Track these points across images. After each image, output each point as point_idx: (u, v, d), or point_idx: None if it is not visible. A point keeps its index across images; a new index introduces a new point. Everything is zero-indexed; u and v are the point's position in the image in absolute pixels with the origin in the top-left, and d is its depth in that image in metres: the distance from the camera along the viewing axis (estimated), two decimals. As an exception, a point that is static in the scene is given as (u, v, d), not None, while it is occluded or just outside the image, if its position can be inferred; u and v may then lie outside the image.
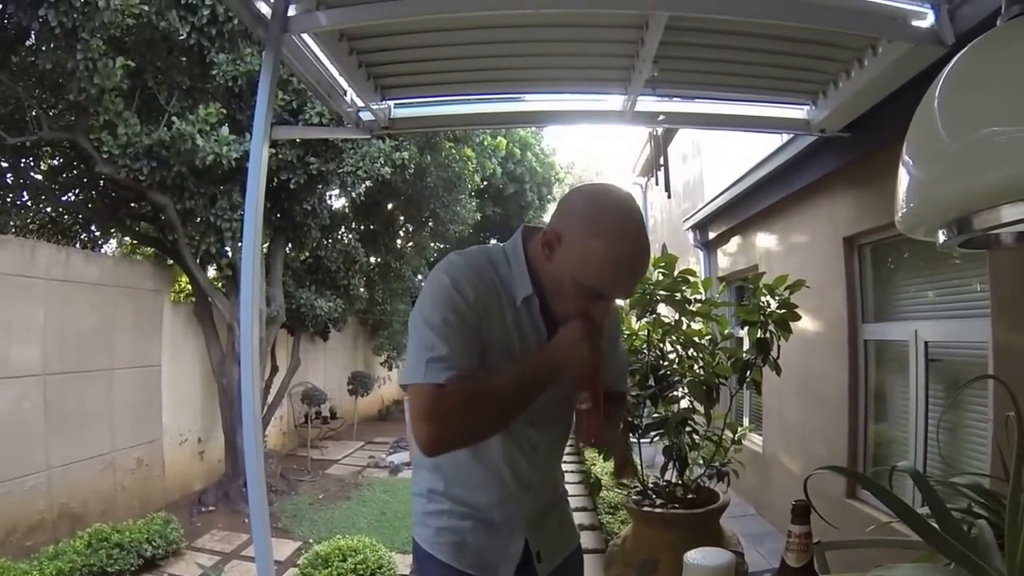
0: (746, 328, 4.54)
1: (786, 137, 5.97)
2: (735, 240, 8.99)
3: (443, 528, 2.00)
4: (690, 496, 4.63)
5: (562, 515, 2.28)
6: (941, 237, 1.38)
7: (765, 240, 7.73)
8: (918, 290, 5.02)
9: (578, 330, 1.75)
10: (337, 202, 12.17)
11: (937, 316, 4.72)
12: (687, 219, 10.52)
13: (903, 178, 1.38)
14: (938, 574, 1.12)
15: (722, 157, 9.88)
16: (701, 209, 9.64)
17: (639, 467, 4.88)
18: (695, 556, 1.73)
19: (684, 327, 4.67)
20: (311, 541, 7.61)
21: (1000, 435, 3.61)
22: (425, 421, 1.71)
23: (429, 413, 1.71)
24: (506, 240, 1.97)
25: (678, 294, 4.54)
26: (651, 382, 4.58)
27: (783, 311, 4.39)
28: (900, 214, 1.40)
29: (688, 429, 4.61)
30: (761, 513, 7.58)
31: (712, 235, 9.83)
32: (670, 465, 4.64)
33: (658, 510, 4.52)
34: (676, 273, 4.51)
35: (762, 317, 4.40)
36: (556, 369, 1.77)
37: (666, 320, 4.69)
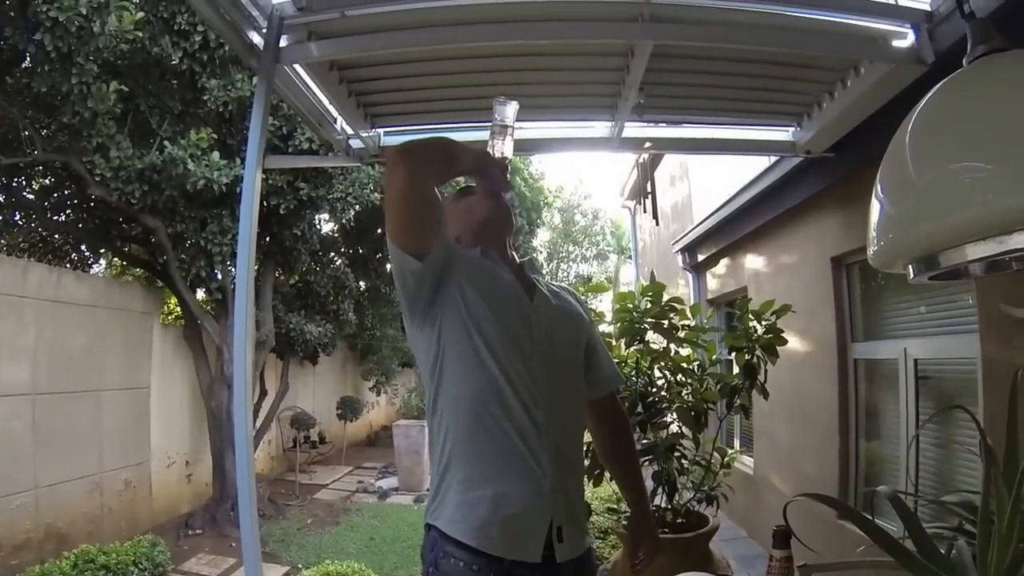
0: (734, 353, 4.58)
1: (773, 159, 6.02)
2: (724, 262, 9.04)
3: (472, 502, 1.97)
4: (680, 521, 4.66)
5: (582, 506, 2.27)
6: (911, 272, 1.44)
7: (754, 261, 7.78)
8: (907, 308, 5.04)
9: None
10: (326, 227, 12.24)
11: (926, 333, 4.73)
12: (676, 242, 10.55)
13: (875, 212, 1.43)
14: None
15: (710, 179, 9.93)
16: (689, 232, 9.67)
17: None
18: None
19: (672, 353, 4.71)
20: (299, 566, 7.59)
21: (997, 441, 3.65)
22: (396, 156, 1.96)
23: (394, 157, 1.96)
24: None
25: (666, 321, 4.59)
26: (640, 409, 4.63)
27: (770, 336, 4.44)
28: (872, 251, 1.45)
29: (677, 454, 4.64)
30: (752, 536, 7.57)
31: (701, 257, 9.87)
32: (659, 490, 4.67)
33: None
34: (664, 301, 4.55)
35: (748, 343, 4.45)
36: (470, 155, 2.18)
37: (654, 347, 4.73)
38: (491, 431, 1.99)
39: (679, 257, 10.54)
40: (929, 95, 1.40)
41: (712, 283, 9.74)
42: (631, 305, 4.65)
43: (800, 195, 5.84)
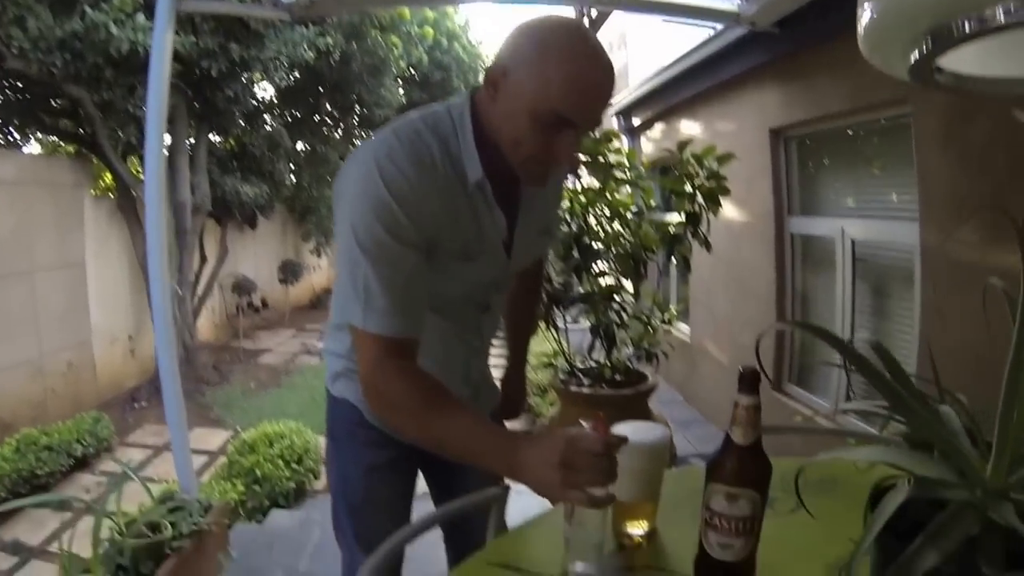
0: (672, 198, 4.46)
1: (719, 27, 5.79)
2: (660, 127, 8.90)
3: None
4: (618, 378, 4.61)
5: (490, 382, 2.21)
6: (916, 55, 1.23)
7: (691, 127, 7.57)
8: (844, 188, 4.98)
9: (555, 455, 1.31)
10: (264, 93, 11.87)
11: (864, 215, 4.65)
12: (612, 105, 10.35)
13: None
14: (911, 457, 1.01)
15: (647, 48, 9.75)
16: (626, 95, 9.46)
17: (566, 351, 4.84)
18: (625, 431, 1.54)
19: (609, 197, 4.57)
20: (239, 429, 7.50)
21: (929, 335, 3.63)
22: (370, 381, 1.55)
23: (373, 379, 1.55)
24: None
25: (601, 157, 4.42)
26: (575, 253, 4.48)
27: (712, 183, 4.31)
28: (863, 28, 1.25)
29: (616, 307, 4.55)
30: (689, 401, 7.64)
31: (637, 121, 9.71)
32: (597, 344, 4.58)
33: (586, 390, 4.50)
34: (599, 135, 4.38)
35: (692, 188, 4.32)
36: (513, 474, 1.42)
37: (590, 190, 4.56)
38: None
39: (615, 120, 10.36)
40: None
41: (648, 147, 9.61)
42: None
43: (741, 66, 5.69)
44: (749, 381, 1.24)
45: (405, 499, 2.10)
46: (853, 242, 4.66)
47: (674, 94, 7.67)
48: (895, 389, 0.95)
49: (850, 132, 4.80)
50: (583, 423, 1.38)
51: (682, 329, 7.91)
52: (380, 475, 2.00)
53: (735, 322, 6.49)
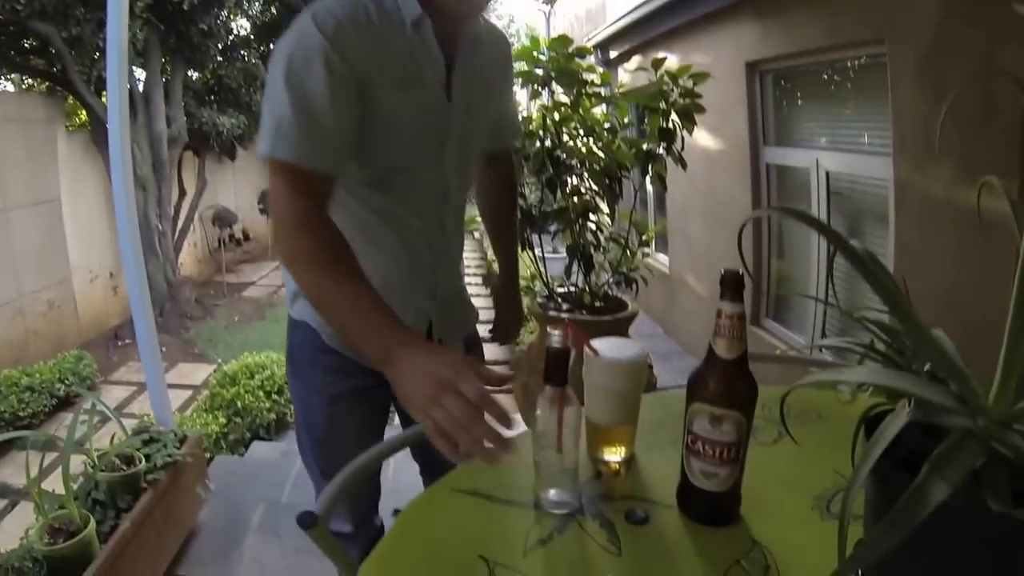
0: (647, 116, 4.35)
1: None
2: (636, 59, 8.77)
3: None
4: (598, 304, 4.53)
5: (464, 299, 2.08)
6: None
7: (668, 60, 7.51)
8: (819, 121, 4.91)
9: (431, 375, 1.15)
10: (242, 30, 11.70)
11: (839, 149, 4.59)
12: (589, 39, 10.22)
13: None
14: (907, 380, 0.90)
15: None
16: (604, 28, 9.35)
17: (544, 273, 4.75)
18: (601, 347, 1.43)
19: (582, 114, 4.42)
20: (220, 362, 7.41)
21: (905, 272, 3.59)
22: (278, 221, 1.44)
23: (282, 218, 1.44)
24: None
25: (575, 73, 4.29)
26: (548, 167, 4.33)
27: (687, 101, 4.21)
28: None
29: (592, 228, 4.46)
30: (669, 334, 7.61)
31: (614, 54, 9.60)
32: (575, 268, 4.49)
33: (564, 315, 4.40)
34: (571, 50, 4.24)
35: (665, 105, 4.20)
36: (383, 364, 1.25)
37: (562, 104, 4.43)
38: (380, 248, 1.69)
39: (592, 55, 10.23)
40: None
41: (624, 79, 9.50)
42: (536, 53, 4.32)
43: (719, 2, 5.62)
44: (732, 285, 1.10)
45: (374, 432, 1.98)
46: (828, 174, 4.62)
47: (651, 27, 7.55)
48: (891, 290, 0.85)
49: (826, 76, 4.73)
50: (551, 332, 1.23)
51: (661, 260, 7.86)
52: (345, 405, 1.88)
53: (713, 253, 6.44)
